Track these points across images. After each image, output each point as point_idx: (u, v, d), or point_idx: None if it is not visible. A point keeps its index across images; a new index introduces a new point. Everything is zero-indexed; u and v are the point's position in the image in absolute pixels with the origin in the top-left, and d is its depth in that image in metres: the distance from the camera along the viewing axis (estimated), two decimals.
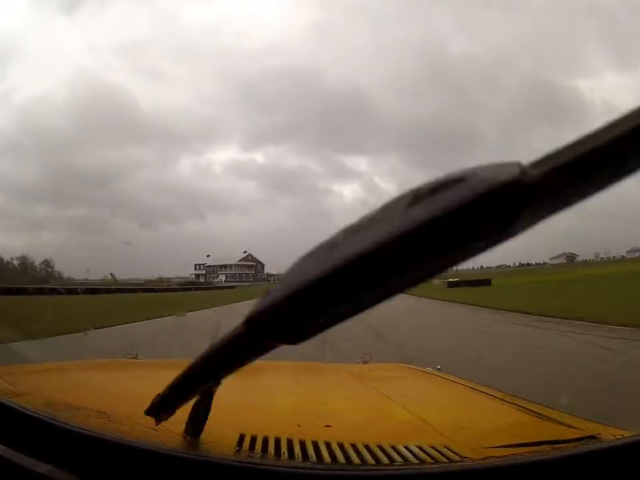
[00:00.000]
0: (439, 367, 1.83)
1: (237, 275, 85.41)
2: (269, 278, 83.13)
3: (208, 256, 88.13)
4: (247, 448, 0.67)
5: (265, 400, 1.20)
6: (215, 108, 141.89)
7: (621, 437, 0.69)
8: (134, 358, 2.07)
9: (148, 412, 0.62)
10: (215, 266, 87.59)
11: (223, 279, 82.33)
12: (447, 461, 0.65)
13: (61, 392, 0.84)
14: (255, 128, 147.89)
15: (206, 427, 0.68)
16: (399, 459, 0.65)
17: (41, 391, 0.95)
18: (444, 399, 1.34)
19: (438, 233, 0.32)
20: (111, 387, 1.27)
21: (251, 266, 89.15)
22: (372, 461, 0.64)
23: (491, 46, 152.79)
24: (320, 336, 0.41)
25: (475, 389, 1.35)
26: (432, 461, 0.65)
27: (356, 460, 0.64)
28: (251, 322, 0.41)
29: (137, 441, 0.62)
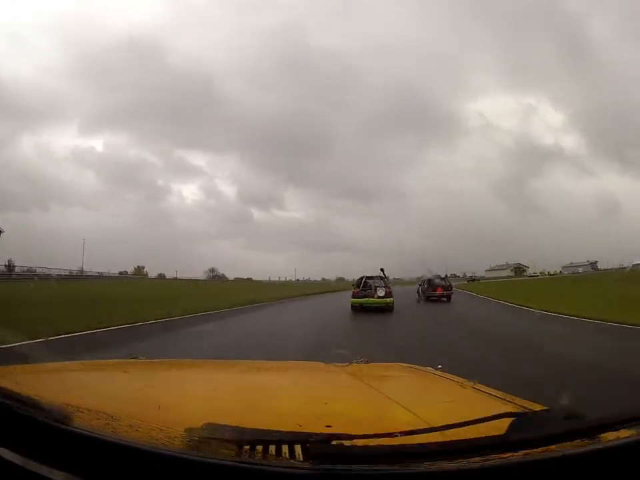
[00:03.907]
0: (439, 366, 1.82)
1: None
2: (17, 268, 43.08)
3: None
4: (248, 448, 0.67)
5: (265, 400, 1.20)
6: (56, 80, 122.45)
7: (621, 437, 0.69)
8: (134, 358, 2.07)
9: None
10: None
11: None
12: (447, 460, 0.65)
13: (61, 392, 0.84)
14: (95, 110, 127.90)
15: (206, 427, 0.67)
16: (399, 459, 0.65)
17: (41, 391, 0.95)
18: (444, 399, 1.34)
19: None
20: (111, 387, 1.27)
21: None
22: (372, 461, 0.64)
23: (360, 42, 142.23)
24: None
25: (475, 388, 1.35)
26: (432, 461, 0.64)
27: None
28: None
29: (137, 442, 0.62)
